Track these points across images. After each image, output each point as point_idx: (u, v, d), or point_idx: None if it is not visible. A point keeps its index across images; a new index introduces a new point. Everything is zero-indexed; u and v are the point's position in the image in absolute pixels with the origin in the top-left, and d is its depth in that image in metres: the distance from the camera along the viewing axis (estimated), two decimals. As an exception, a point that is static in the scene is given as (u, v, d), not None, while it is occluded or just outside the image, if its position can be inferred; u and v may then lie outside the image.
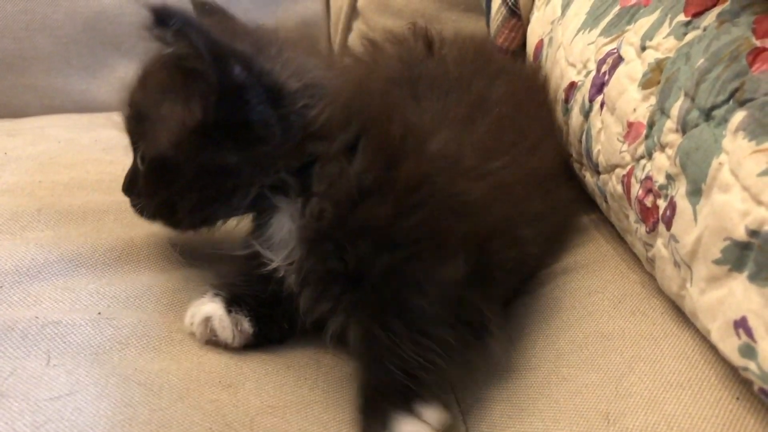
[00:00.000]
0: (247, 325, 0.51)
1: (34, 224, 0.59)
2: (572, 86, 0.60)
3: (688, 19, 0.48)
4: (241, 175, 0.49)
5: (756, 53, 0.41)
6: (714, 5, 0.47)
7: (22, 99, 0.98)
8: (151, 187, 0.52)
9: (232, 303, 0.51)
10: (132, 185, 0.55)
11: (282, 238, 0.51)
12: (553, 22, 0.70)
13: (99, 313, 0.49)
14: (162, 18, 0.47)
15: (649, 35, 0.51)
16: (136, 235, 0.59)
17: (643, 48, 0.51)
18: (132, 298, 0.52)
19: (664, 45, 0.49)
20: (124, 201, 0.64)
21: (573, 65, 0.61)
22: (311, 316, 0.51)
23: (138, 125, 0.54)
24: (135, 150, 0.55)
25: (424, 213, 0.48)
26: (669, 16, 0.50)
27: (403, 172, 0.48)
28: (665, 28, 0.50)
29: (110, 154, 0.76)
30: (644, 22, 0.52)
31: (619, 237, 0.57)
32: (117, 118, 0.92)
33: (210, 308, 0.50)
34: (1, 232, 0.57)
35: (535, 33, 0.75)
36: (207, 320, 0.50)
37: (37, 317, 0.47)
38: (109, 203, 0.63)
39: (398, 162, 0.48)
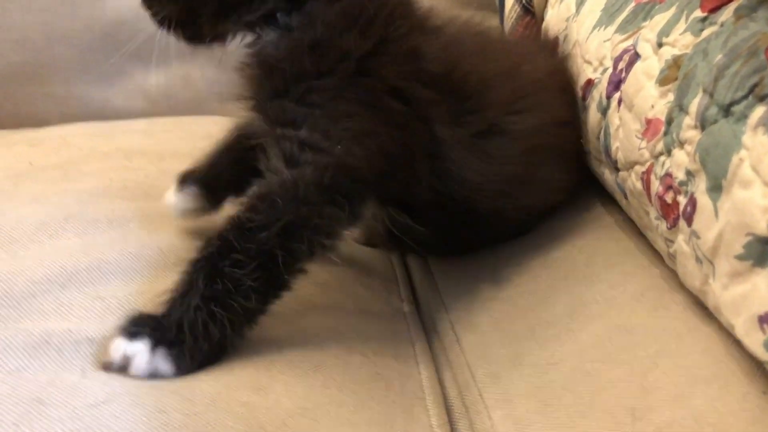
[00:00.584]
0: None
1: (61, 233, 0.60)
2: (589, 84, 0.61)
3: (705, 14, 0.48)
4: None
5: (775, 48, 0.41)
6: (730, 0, 0.47)
7: (42, 108, 0.99)
8: None
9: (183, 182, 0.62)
10: None
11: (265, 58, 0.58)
12: (568, 20, 0.70)
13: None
14: None
15: (665, 31, 0.51)
16: (161, 241, 0.60)
17: (660, 44, 0.51)
18: (160, 304, 0.53)
19: (681, 41, 0.49)
20: (148, 208, 0.66)
21: (589, 63, 0.62)
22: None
23: None
24: None
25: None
26: (685, 12, 0.50)
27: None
28: (682, 24, 0.50)
29: (132, 161, 0.78)
30: (660, 19, 0.53)
31: (639, 233, 0.58)
32: (138, 125, 0.94)
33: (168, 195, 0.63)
34: (31, 241, 0.58)
35: (550, 31, 0.75)
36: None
37: (70, 330, 0.48)
38: (133, 210, 0.64)
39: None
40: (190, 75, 1.03)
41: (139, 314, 0.48)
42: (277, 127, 0.55)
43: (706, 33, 0.47)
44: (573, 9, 0.70)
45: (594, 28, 0.63)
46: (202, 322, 0.47)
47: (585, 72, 0.62)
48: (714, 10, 0.48)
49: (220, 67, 1.02)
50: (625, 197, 0.57)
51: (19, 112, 0.99)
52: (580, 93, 0.63)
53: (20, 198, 0.67)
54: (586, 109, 0.62)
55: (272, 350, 0.52)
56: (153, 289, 0.55)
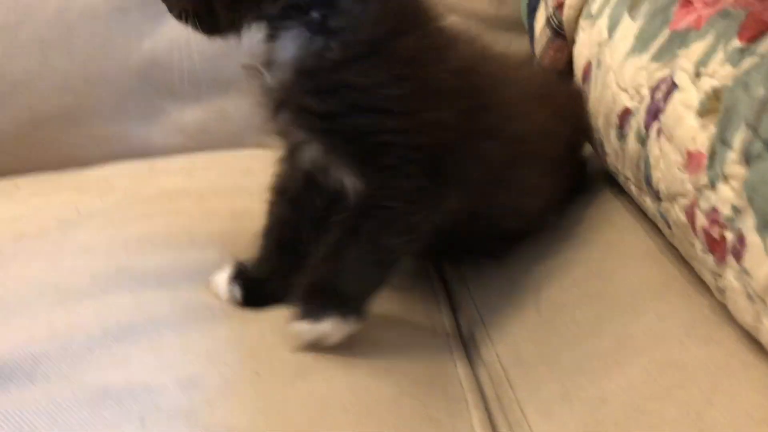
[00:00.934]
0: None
1: (113, 287, 0.62)
2: (626, 113, 0.61)
3: (743, 44, 0.48)
4: None
5: (818, 82, 0.41)
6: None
7: (85, 149, 1.01)
8: None
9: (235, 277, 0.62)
10: None
11: (282, 61, 0.57)
12: (600, 44, 0.70)
13: (185, 373, 0.51)
14: None
15: (703, 62, 0.51)
16: (208, 296, 0.62)
17: (698, 75, 0.51)
18: (214, 353, 0.55)
19: (720, 72, 0.49)
20: (198, 263, 0.67)
21: (625, 90, 0.62)
22: (287, 141, 0.61)
23: None
24: None
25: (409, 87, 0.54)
26: (722, 41, 0.50)
27: (407, 42, 0.54)
28: (720, 54, 0.50)
29: (174, 203, 0.79)
30: (697, 48, 0.52)
31: (684, 260, 0.57)
32: (178, 163, 0.95)
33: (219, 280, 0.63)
34: (86, 296, 0.60)
35: (582, 55, 0.75)
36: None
37: (128, 382, 0.50)
38: (182, 264, 0.66)
39: (407, 31, 0.55)
40: (225, 109, 1.05)
41: (311, 290, 0.56)
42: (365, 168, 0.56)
43: (746, 64, 0.47)
44: (605, 34, 0.69)
45: (628, 54, 0.62)
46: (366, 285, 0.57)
47: (621, 100, 0.62)
48: (752, 39, 0.48)
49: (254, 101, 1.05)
50: (668, 227, 0.56)
51: (63, 154, 1.01)
52: (616, 121, 0.63)
53: (71, 248, 0.69)
54: (624, 138, 0.61)
55: (324, 392, 0.53)
56: (204, 340, 0.57)
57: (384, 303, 0.61)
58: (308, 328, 0.55)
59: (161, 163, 0.96)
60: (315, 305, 0.55)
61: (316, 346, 0.56)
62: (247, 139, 1.06)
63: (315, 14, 0.54)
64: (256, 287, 0.63)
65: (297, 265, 0.62)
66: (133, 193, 0.82)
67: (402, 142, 0.55)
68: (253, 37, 0.60)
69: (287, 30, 0.56)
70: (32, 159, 0.99)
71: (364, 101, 0.54)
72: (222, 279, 0.63)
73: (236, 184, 0.86)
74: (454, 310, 0.72)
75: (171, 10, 0.59)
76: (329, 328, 0.55)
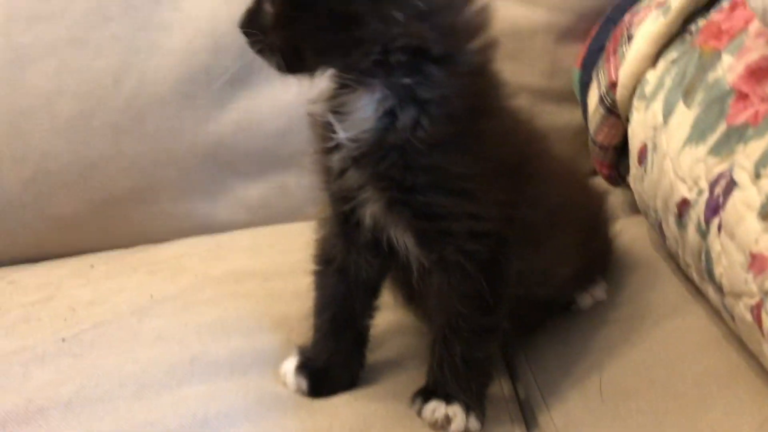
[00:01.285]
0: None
1: (188, 378, 0.65)
2: (685, 203, 0.61)
3: (803, 149, 0.49)
4: (369, 31, 0.51)
5: None
6: (828, 134, 0.48)
7: (154, 226, 1.06)
8: (283, 24, 0.54)
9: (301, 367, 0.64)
10: (252, 22, 0.57)
11: (360, 118, 0.55)
12: (655, 128, 0.71)
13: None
14: None
15: (763, 162, 0.52)
16: (278, 386, 0.64)
17: (758, 175, 0.52)
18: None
19: (781, 175, 0.49)
20: (266, 349, 0.70)
21: (683, 180, 0.62)
22: (351, 199, 0.59)
23: None
24: None
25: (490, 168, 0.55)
26: (781, 143, 0.51)
27: (491, 124, 0.55)
28: (779, 157, 0.50)
29: (242, 285, 0.82)
30: (756, 146, 0.53)
31: (748, 348, 0.57)
32: (241, 240, 0.99)
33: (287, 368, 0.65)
34: (162, 387, 0.63)
35: (637, 136, 0.76)
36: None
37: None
38: (251, 350, 0.69)
39: (490, 112, 0.56)
40: (286, 184, 1.09)
41: (440, 383, 0.60)
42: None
43: (807, 170, 0.48)
44: (660, 118, 0.70)
45: (685, 143, 0.63)
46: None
47: (679, 190, 0.63)
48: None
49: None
50: (733, 320, 0.56)
51: (134, 231, 1.06)
52: (675, 210, 0.63)
53: (146, 336, 0.72)
54: (683, 227, 0.62)
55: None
56: (275, 429, 0.59)
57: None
58: (437, 406, 0.59)
59: (227, 240, 1.00)
60: (440, 394, 0.60)
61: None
62: (306, 211, 1.10)
63: (406, 80, 0.53)
64: (322, 376, 0.65)
65: (356, 342, 0.66)
66: (203, 274, 0.86)
67: (470, 229, 0.56)
68: (326, 81, 0.59)
69: (370, 86, 0.54)
70: (105, 237, 1.05)
71: (447, 183, 0.54)
72: (290, 369, 0.65)
73: (298, 261, 0.89)
74: (513, 379, 0.73)
75: (254, 45, 0.58)
76: (458, 410, 0.59)
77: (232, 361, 0.67)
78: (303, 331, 0.73)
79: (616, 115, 0.84)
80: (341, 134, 0.56)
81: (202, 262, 0.90)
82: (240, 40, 1.00)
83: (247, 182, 1.07)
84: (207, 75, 1.02)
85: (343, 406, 0.63)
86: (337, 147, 0.57)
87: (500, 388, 0.69)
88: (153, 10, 1.01)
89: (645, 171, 0.73)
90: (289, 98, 1.05)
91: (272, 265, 0.88)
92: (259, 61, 1.02)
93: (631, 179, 0.78)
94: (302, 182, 1.08)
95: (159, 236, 1.05)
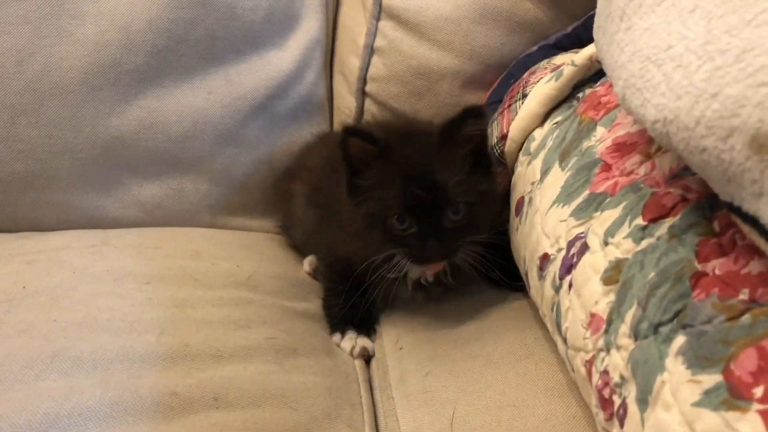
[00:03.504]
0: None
1: (47, 372, 0.64)
2: (546, 258, 0.66)
3: (645, 223, 0.54)
4: None
5: (698, 277, 0.47)
6: (668, 214, 0.53)
7: (40, 214, 1.04)
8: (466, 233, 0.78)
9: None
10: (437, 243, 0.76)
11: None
12: (533, 184, 0.76)
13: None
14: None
15: (611, 231, 0.56)
16: (141, 387, 0.64)
17: (606, 243, 0.56)
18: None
19: (623, 245, 0.54)
20: (132, 347, 0.70)
21: (547, 237, 0.67)
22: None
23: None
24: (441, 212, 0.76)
25: None
26: (629, 216, 0.56)
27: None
28: (625, 228, 0.55)
29: (120, 286, 0.82)
30: (608, 216, 0.58)
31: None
32: (129, 239, 0.97)
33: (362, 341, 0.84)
34: (17, 381, 0.62)
35: (517, 189, 0.81)
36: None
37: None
38: (117, 350, 0.69)
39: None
40: (183, 188, 1.08)
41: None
42: None
43: (644, 244, 0.52)
44: (538, 175, 0.75)
45: (554, 203, 0.68)
46: None
47: (543, 244, 0.67)
48: (653, 220, 0.53)
49: (212, 181, 1.09)
50: (573, 371, 0.61)
51: (19, 217, 1.03)
52: (538, 263, 0.68)
53: (11, 328, 0.71)
54: (543, 279, 0.67)
55: None
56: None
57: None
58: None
59: (114, 237, 0.98)
60: None
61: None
62: (201, 217, 1.11)
63: None
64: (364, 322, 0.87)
65: None
66: (81, 270, 0.85)
67: None
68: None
69: None
70: (-12, 218, 1.02)
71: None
72: (349, 337, 0.84)
73: (183, 268, 0.89)
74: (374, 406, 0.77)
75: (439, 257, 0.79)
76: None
77: (95, 357, 0.67)
78: (176, 333, 0.74)
79: (504, 165, 0.89)
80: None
81: (82, 257, 0.89)
82: (155, 38, 1.01)
83: (144, 181, 1.07)
84: (116, 69, 1.01)
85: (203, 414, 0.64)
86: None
87: (361, 412, 0.72)
88: (68, -3, 0.99)
89: (520, 222, 0.78)
90: (196, 103, 1.06)
91: (156, 269, 0.88)
92: (170, 63, 1.04)
93: (509, 228, 0.83)
94: (200, 188, 1.09)
95: (45, 225, 1.03)
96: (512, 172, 0.87)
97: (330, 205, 0.87)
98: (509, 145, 0.86)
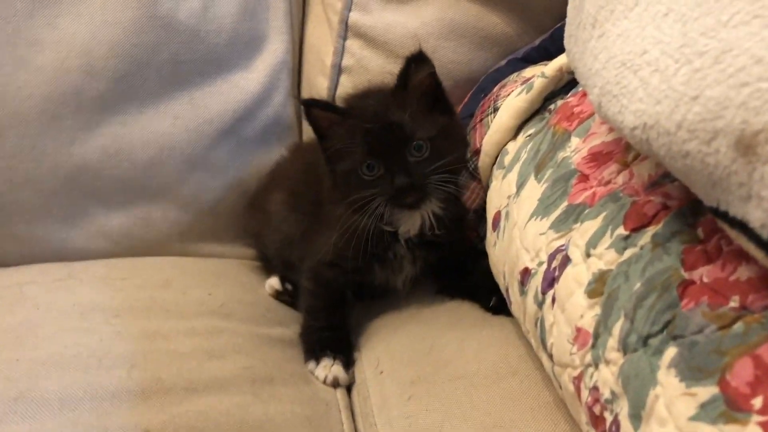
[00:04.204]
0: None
1: (10, 416, 0.61)
2: (526, 272, 0.65)
3: (627, 233, 0.53)
4: None
5: (685, 286, 0.45)
6: (650, 223, 0.52)
7: (1, 248, 1.00)
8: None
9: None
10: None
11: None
12: (509, 197, 0.75)
13: None
14: None
15: (592, 243, 0.55)
16: (111, 426, 0.61)
17: (588, 255, 0.55)
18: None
19: (606, 256, 0.53)
20: (101, 384, 0.67)
21: (527, 251, 0.66)
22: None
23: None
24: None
25: None
26: (611, 226, 0.55)
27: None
28: (607, 239, 0.54)
29: (88, 320, 0.79)
30: (589, 226, 0.57)
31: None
32: (96, 270, 0.94)
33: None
34: (-23, 427, 0.59)
35: (493, 203, 0.80)
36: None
37: None
38: (85, 387, 0.66)
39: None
40: (151, 216, 1.06)
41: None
42: None
43: (627, 253, 0.51)
44: (514, 189, 0.74)
45: (531, 216, 0.67)
46: None
47: (523, 259, 0.66)
48: (635, 230, 0.52)
49: (180, 208, 1.06)
50: (560, 387, 0.59)
51: (-21, 252, 0.99)
52: (518, 277, 0.67)
53: (-29, 370, 0.67)
54: (524, 294, 0.65)
55: None
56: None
57: None
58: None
59: (80, 269, 0.95)
60: None
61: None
62: (170, 245, 1.08)
63: None
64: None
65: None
66: (46, 305, 0.81)
67: None
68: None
69: None
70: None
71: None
72: (338, 367, 0.82)
73: (152, 299, 0.87)
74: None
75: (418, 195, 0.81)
76: None
77: (62, 397, 0.64)
78: (147, 367, 0.71)
79: (478, 180, 0.88)
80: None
81: (47, 292, 0.86)
82: (117, 63, 0.99)
83: (110, 211, 1.04)
84: (77, 96, 0.98)
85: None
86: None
87: None
88: (25, 25, 0.97)
89: (498, 237, 0.76)
90: (162, 129, 1.04)
91: (125, 301, 0.85)
92: (134, 88, 1.02)
93: (487, 243, 0.81)
94: (168, 215, 1.07)
95: (7, 260, 1.00)
96: (487, 186, 0.85)
97: (313, 207, 0.89)
98: (483, 160, 0.85)
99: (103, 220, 1.03)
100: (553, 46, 0.93)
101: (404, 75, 0.80)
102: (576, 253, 0.57)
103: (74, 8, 0.99)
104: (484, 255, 0.83)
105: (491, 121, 0.87)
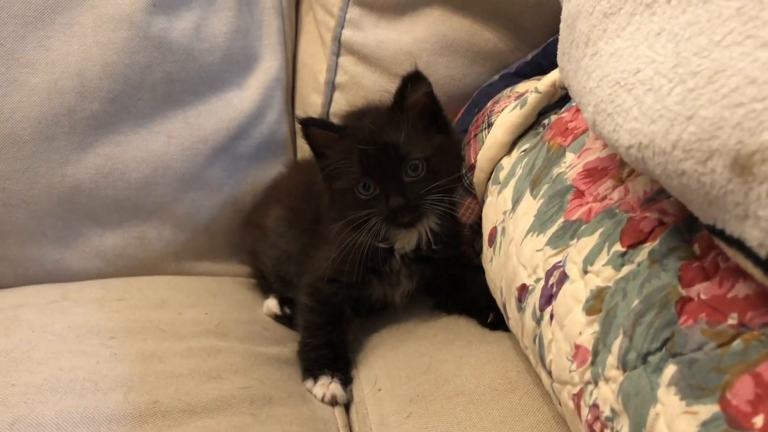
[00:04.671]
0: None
1: (7, 442, 0.60)
2: (524, 288, 0.65)
3: (624, 249, 0.53)
4: None
5: (683, 303, 0.45)
6: (646, 239, 0.52)
7: (-4, 270, 0.99)
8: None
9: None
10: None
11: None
12: (505, 213, 0.75)
13: None
14: None
15: (589, 259, 0.55)
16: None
17: (585, 271, 0.55)
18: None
19: (604, 273, 0.53)
20: (98, 408, 0.67)
21: (524, 267, 0.66)
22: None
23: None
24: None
25: None
26: (607, 243, 0.55)
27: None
28: (604, 255, 0.54)
29: (83, 343, 0.78)
30: (585, 243, 0.57)
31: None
32: (90, 292, 0.94)
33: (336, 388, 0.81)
34: (-27, 455, 0.58)
35: (489, 219, 0.80)
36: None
37: None
38: (82, 412, 0.65)
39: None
40: (146, 235, 1.05)
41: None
42: None
43: (625, 270, 0.51)
44: (509, 204, 0.74)
45: (528, 232, 0.67)
46: None
47: (520, 275, 0.66)
48: (632, 246, 0.52)
49: (175, 227, 1.06)
50: (560, 404, 0.59)
51: (-27, 274, 0.99)
52: (516, 294, 0.67)
53: (-33, 396, 0.67)
54: (522, 311, 0.65)
55: None
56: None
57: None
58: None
59: (75, 290, 0.95)
60: None
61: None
62: (165, 264, 1.07)
63: None
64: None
65: None
66: (41, 328, 0.81)
67: None
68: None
69: None
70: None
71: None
72: (337, 385, 0.81)
73: (148, 320, 0.86)
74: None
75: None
76: None
77: (59, 422, 0.63)
78: (144, 390, 0.71)
79: (473, 195, 0.88)
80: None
81: (42, 315, 0.85)
82: (111, 83, 0.99)
83: (104, 231, 1.03)
84: (70, 117, 0.98)
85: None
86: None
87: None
88: (17, 46, 0.96)
89: (494, 253, 0.76)
90: (156, 148, 1.04)
91: (120, 322, 0.84)
92: (127, 108, 1.02)
93: (483, 259, 0.81)
94: (163, 234, 1.06)
95: (1, 282, 0.99)
96: (482, 201, 0.86)
97: (311, 224, 0.90)
98: (478, 175, 0.85)
99: (97, 241, 1.03)
100: (545, 61, 0.94)
101: (400, 94, 0.81)
102: (573, 270, 0.57)
103: (66, 29, 0.99)
104: (480, 270, 0.84)
105: (485, 137, 0.87)
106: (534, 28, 1.00)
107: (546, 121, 0.80)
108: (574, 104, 0.76)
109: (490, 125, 0.88)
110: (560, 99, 0.81)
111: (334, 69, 1.06)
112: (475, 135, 0.91)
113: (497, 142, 0.81)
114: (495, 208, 0.79)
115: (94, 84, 0.99)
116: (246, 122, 1.10)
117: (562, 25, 0.62)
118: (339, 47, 1.05)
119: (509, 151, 0.83)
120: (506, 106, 0.85)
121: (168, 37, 1.02)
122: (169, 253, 1.07)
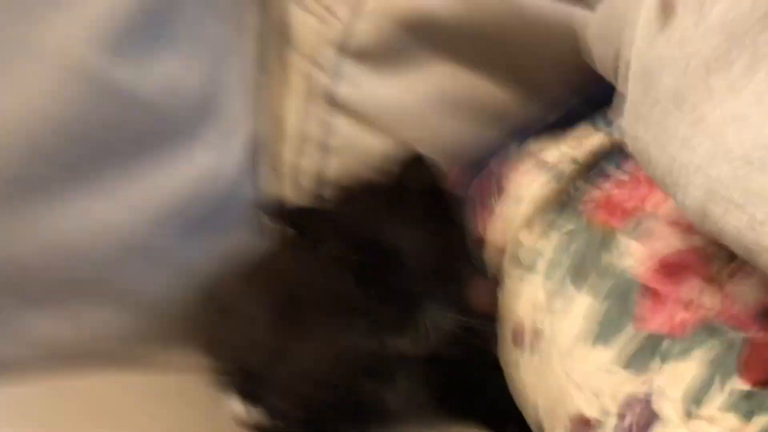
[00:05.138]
0: None
1: None
2: (585, 424, 0.49)
3: (750, 388, 0.39)
4: None
5: None
6: (777, 374, 0.38)
7: None
8: None
9: None
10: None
11: None
12: (535, 306, 0.61)
13: None
14: None
15: (695, 397, 0.41)
16: None
17: (689, 414, 0.41)
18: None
19: (722, 421, 0.39)
20: None
21: (579, 388, 0.51)
22: None
23: None
24: None
25: None
26: (719, 373, 0.41)
27: None
28: (716, 393, 0.40)
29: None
30: (681, 371, 0.43)
31: None
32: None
33: None
34: None
35: (510, 309, 0.65)
36: None
37: None
38: None
39: None
40: (82, 317, 0.89)
41: None
42: None
43: (760, 423, 0.37)
44: (541, 295, 0.60)
45: (581, 339, 0.53)
46: None
47: (576, 400, 0.51)
48: (761, 383, 0.38)
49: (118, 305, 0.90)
50: None
51: None
52: (569, 425, 0.51)
53: None
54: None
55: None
56: None
57: None
58: None
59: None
60: None
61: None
62: (107, 352, 0.90)
63: None
64: None
65: None
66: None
67: None
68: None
69: None
70: None
71: None
72: None
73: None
74: None
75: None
76: None
77: None
78: None
79: (484, 274, 0.74)
80: None
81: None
82: (40, 139, 0.83)
83: (34, 312, 0.86)
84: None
85: None
86: None
87: None
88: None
89: (522, 356, 0.62)
90: (96, 211, 0.87)
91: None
92: (61, 166, 0.86)
93: (504, 359, 0.67)
94: (103, 315, 0.89)
95: None
96: (496, 282, 0.71)
97: (293, 311, 0.74)
98: (491, 252, 0.71)
99: (23, 324, 0.86)
100: (567, 124, 0.81)
101: (400, 183, 0.71)
102: (668, 409, 0.42)
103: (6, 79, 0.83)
104: (496, 369, 0.69)
105: (495, 202, 0.74)
106: (552, 86, 0.88)
107: (571, 189, 0.67)
108: (615, 175, 0.63)
109: (500, 190, 0.75)
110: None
111: (326, 131, 0.92)
112: (483, 202, 0.77)
113: (523, 218, 0.67)
114: (519, 298, 0.64)
115: (17, 141, 0.83)
116: (202, 180, 0.94)
117: (631, 81, 0.49)
118: (332, 106, 0.92)
119: (530, 226, 0.69)
120: (530, 174, 0.71)
121: (119, 86, 0.88)
122: (110, 338, 0.90)
